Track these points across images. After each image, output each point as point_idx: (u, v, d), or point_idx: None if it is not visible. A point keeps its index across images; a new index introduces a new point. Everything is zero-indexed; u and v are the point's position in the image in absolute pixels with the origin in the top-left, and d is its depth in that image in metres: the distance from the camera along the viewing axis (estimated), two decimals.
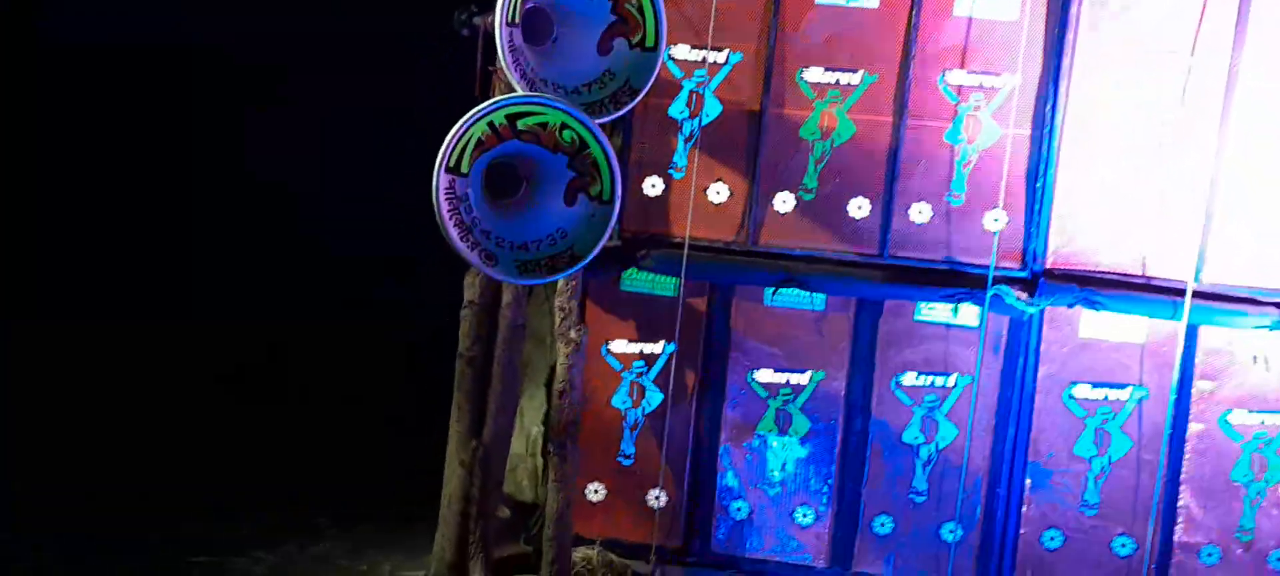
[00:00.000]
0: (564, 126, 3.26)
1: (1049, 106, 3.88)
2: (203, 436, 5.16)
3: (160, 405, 5.36)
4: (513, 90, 3.31)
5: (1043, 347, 3.94)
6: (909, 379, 4.00)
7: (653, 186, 3.94)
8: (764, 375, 4.01)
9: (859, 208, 3.93)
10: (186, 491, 4.60)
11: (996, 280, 3.86)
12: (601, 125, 3.40)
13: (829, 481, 4.05)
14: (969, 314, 3.96)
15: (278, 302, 5.90)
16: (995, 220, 3.91)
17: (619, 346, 4.00)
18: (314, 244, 6.04)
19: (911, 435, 4.02)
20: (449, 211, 3.19)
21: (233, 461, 4.94)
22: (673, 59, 3.89)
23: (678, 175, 3.91)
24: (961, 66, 3.88)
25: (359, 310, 5.99)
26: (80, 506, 4.36)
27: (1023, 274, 3.90)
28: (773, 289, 3.92)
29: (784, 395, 4.01)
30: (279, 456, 5.01)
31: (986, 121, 3.91)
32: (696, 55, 3.88)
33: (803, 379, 4.01)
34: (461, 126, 3.14)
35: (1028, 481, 3.99)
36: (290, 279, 5.94)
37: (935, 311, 3.97)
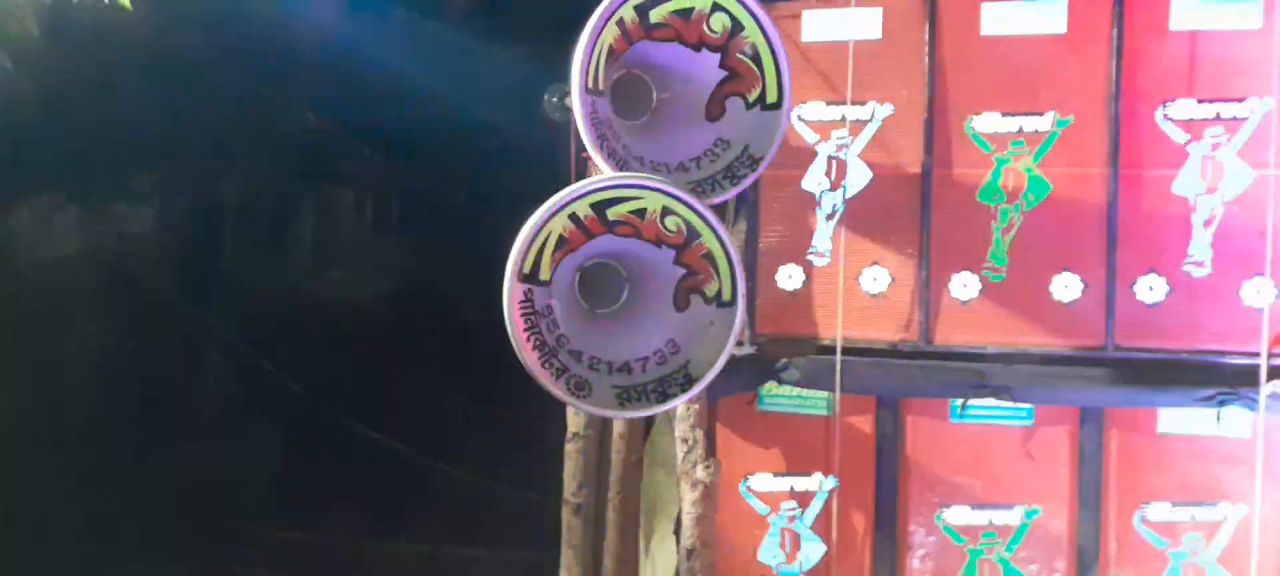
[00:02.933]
0: (666, 211, 2.56)
1: None
2: None
3: None
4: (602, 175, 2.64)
5: None
6: (1159, 511, 3.08)
7: (789, 277, 3.19)
8: (958, 514, 3.18)
9: (1066, 287, 3.05)
10: None
11: (1272, 372, 2.90)
12: (716, 206, 2.69)
13: None
14: (1237, 421, 2.93)
15: None
16: (1258, 292, 2.91)
17: (762, 482, 3.23)
18: None
19: None
20: (525, 329, 2.52)
21: None
22: (803, 120, 3.18)
23: (821, 261, 3.18)
24: (1189, 94, 3.00)
25: None
26: None
27: None
28: (960, 401, 3.13)
29: (987, 540, 3.16)
30: None
31: (1232, 162, 2.98)
32: (834, 113, 3.16)
33: (1011, 517, 3.15)
34: (536, 222, 2.48)
35: None
36: None
37: (1188, 419, 3.05)
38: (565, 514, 3.28)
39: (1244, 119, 2.99)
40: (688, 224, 2.60)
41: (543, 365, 2.53)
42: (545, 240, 2.54)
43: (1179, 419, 3.06)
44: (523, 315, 2.52)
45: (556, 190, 2.56)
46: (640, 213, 2.59)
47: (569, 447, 3.25)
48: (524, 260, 2.51)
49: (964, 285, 3.13)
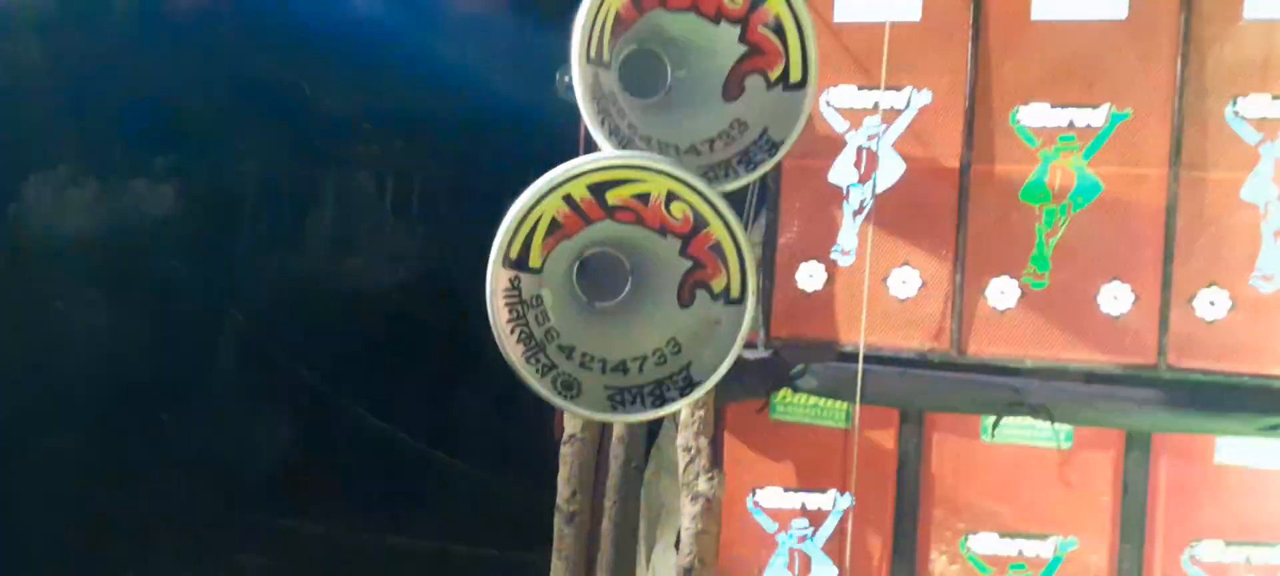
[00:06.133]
0: (672, 196, 2.33)
1: None
2: None
3: None
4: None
5: None
6: (1211, 551, 2.81)
7: (810, 276, 2.94)
8: (984, 542, 2.93)
9: (1115, 298, 2.79)
10: None
11: None
12: (731, 195, 2.45)
13: None
14: None
15: None
16: None
17: (772, 498, 3.01)
18: None
19: None
20: (510, 321, 2.30)
21: None
22: (832, 106, 2.92)
23: (846, 260, 2.94)
24: (1263, 90, 2.75)
25: None
26: None
27: None
28: (993, 419, 2.87)
29: (1016, 572, 2.91)
30: None
31: None
32: (866, 99, 2.91)
33: (1043, 549, 2.90)
34: (525, 203, 2.26)
35: None
36: None
37: (1248, 450, 2.77)
38: (557, 521, 3.06)
39: None
40: (695, 211, 2.36)
41: (527, 359, 2.31)
42: (536, 223, 2.31)
43: (1238, 449, 2.78)
44: (507, 304, 2.30)
45: None
46: (643, 197, 2.35)
47: (564, 450, 3.03)
48: (511, 244, 2.29)
49: (1002, 292, 2.87)
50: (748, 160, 2.51)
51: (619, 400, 2.36)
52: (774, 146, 2.52)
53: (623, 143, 2.40)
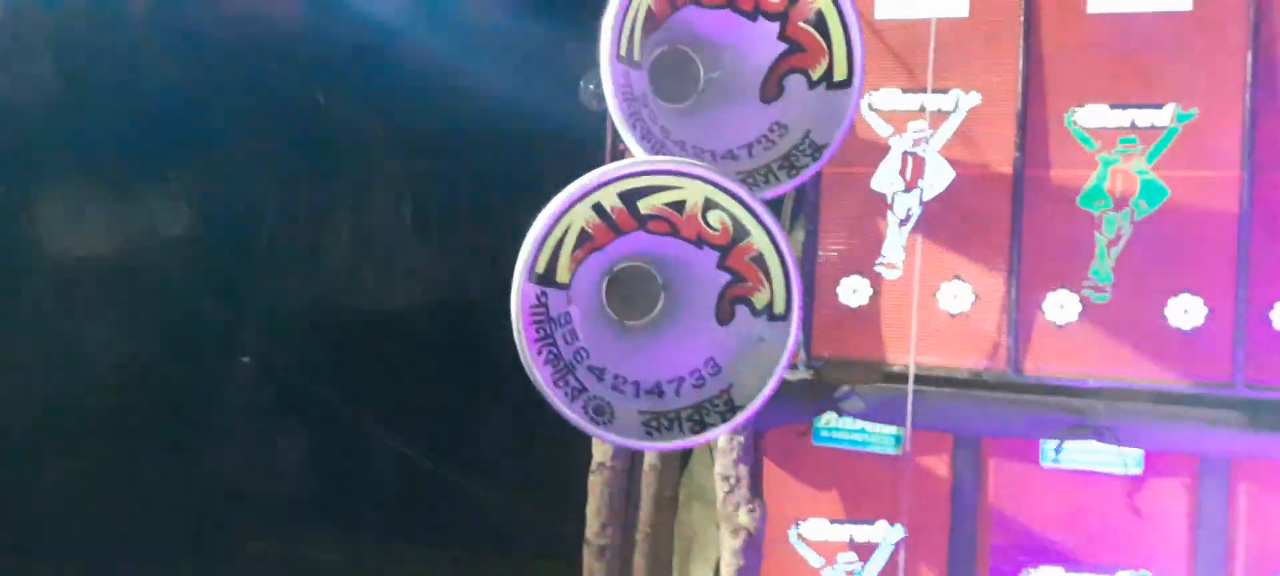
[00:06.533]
0: (709, 204, 2.17)
1: None
2: None
3: None
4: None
5: None
6: None
7: (854, 291, 2.80)
8: None
9: (1185, 311, 2.65)
10: None
11: None
12: (771, 201, 2.29)
13: None
14: None
15: None
16: None
17: (816, 529, 2.90)
18: None
19: None
20: (536, 340, 2.13)
21: None
22: (875, 110, 2.78)
23: (892, 273, 2.81)
24: None
25: None
26: None
27: None
28: (1054, 443, 2.72)
29: None
30: None
31: None
32: (911, 101, 2.78)
33: None
34: (552, 214, 2.10)
35: None
36: None
37: None
38: (587, 556, 2.91)
39: None
40: (735, 220, 2.19)
41: (556, 383, 2.14)
42: (563, 234, 2.15)
43: None
44: (534, 322, 2.13)
45: None
46: (678, 205, 2.19)
47: (593, 479, 2.88)
48: (537, 257, 2.12)
49: (1061, 306, 2.71)
50: (789, 165, 2.36)
51: (655, 426, 2.19)
52: (817, 150, 2.36)
53: (655, 147, 2.25)
